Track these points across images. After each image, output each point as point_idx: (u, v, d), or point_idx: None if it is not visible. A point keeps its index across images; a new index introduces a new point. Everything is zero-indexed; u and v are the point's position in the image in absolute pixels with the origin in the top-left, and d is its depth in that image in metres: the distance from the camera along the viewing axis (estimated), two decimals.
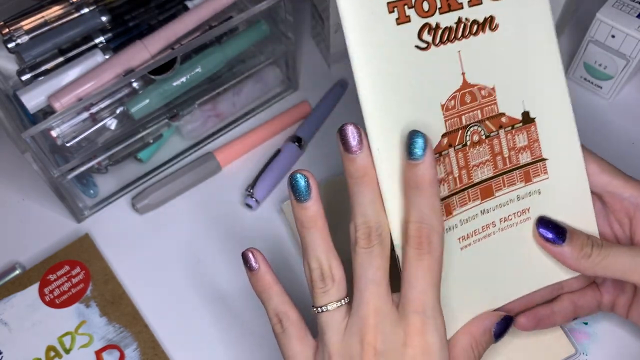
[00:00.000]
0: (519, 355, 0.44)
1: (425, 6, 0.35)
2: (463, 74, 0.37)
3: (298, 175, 0.36)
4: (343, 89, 0.60)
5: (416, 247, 0.35)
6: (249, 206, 0.53)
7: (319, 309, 0.36)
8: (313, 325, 0.38)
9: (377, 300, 0.35)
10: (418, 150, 0.34)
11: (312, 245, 0.36)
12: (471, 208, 0.38)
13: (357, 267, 0.36)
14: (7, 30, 0.50)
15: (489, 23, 0.37)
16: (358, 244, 0.36)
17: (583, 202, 0.41)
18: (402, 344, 0.34)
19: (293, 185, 0.36)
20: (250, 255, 0.39)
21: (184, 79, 0.51)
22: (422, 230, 0.34)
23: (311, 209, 0.36)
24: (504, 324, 0.39)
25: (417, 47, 0.36)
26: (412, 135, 0.34)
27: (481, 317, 0.39)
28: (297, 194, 0.36)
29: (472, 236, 0.39)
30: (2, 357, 0.47)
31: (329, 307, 0.36)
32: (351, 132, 0.35)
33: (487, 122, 0.38)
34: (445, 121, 0.37)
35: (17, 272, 0.51)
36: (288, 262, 0.51)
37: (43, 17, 0.51)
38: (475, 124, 0.38)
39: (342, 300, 0.36)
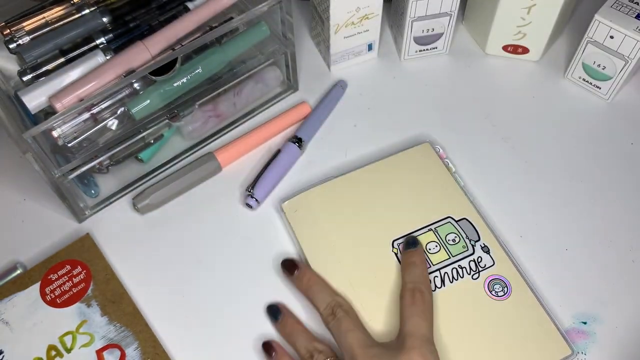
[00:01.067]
0: (514, 355, 0.44)
1: None
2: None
3: (269, 306, 0.48)
4: (343, 90, 0.61)
5: (410, 297, 0.44)
6: (249, 206, 0.53)
7: None
8: None
9: (358, 336, 0.43)
10: (413, 243, 0.48)
11: (299, 341, 0.45)
12: None
13: (334, 336, 0.44)
14: (8, 31, 0.50)
15: None
16: (327, 320, 0.45)
17: None
18: None
19: (269, 314, 0.48)
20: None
21: (184, 80, 0.51)
22: (415, 287, 0.45)
23: (288, 323, 0.47)
24: None
25: None
26: (408, 239, 0.49)
27: None
28: (273, 317, 0.48)
29: None
30: (3, 356, 0.47)
31: None
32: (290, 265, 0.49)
33: None
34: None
35: (19, 271, 0.51)
36: None
37: (44, 17, 0.51)
38: None
39: (333, 357, 0.44)
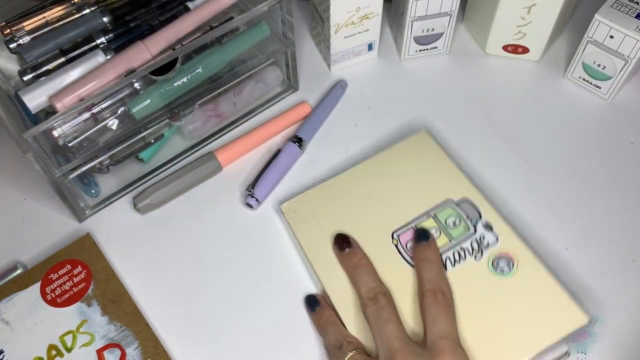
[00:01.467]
0: (529, 331, 0.43)
1: None
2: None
3: (308, 296, 0.48)
4: (343, 89, 0.61)
5: (432, 298, 0.43)
6: (249, 206, 0.53)
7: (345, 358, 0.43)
8: None
9: (398, 328, 0.42)
10: (426, 237, 0.47)
11: (331, 331, 0.45)
12: None
13: (371, 323, 0.43)
14: (8, 30, 0.50)
15: None
16: (367, 305, 0.44)
17: None
18: None
19: (307, 303, 0.48)
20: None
21: (185, 80, 0.51)
22: (436, 287, 0.44)
23: (324, 314, 0.46)
24: None
25: None
26: (419, 232, 0.48)
27: None
28: (310, 307, 0.47)
29: None
30: (3, 356, 0.47)
31: (350, 353, 0.43)
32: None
33: None
34: None
35: (19, 271, 0.51)
36: (288, 262, 0.51)
37: (45, 17, 0.51)
38: None
39: (361, 350, 0.43)
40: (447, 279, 0.45)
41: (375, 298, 0.44)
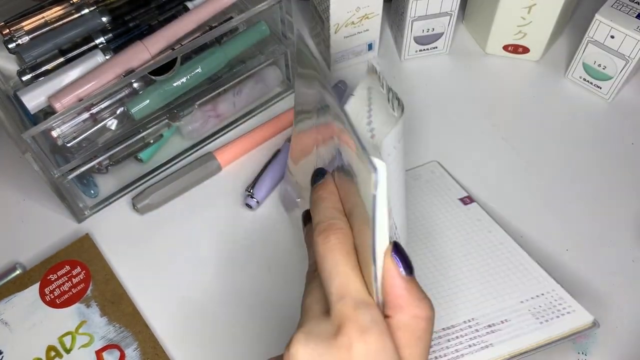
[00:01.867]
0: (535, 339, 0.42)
1: None
2: None
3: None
4: (343, 89, 0.60)
5: (323, 241, 0.33)
6: (249, 206, 0.53)
7: None
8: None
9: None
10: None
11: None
12: None
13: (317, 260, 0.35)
14: (7, 30, 0.50)
15: None
16: (315, 240, 0.34)
17: None
18: None
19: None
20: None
21: (184, 80, 0.51)
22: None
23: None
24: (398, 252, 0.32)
25: None
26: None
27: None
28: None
29: None
30: (2, 357, 0.47)
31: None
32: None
33: None
34: None
35: (18, 272, 0.51)
36: (288, 262, 0.51)
37: (43, 17, 0.51)
38: None
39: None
40: (343, 214, 0.34)
41: (324, 231, 0.33)
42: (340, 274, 0.32)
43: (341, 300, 0.31)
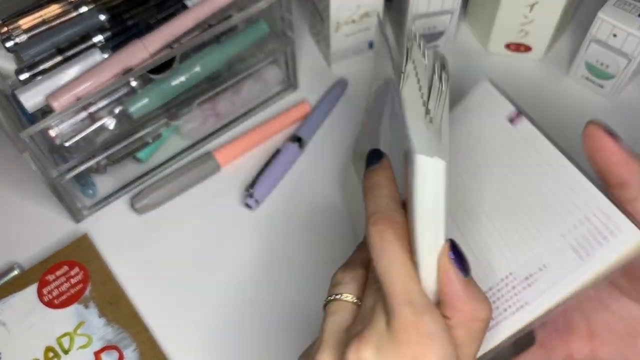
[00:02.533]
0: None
1: None
2: None
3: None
4: (343, 89, 0.60)
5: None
6: (248, 206, 0.53)
7: None
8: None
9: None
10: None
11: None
12: None
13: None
14: (5, 29, 0.50)
15: None
16: (366, 231, 0.33)
17: None
18: None
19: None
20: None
21: (183, 78, 0.51)
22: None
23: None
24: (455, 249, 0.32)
25: None
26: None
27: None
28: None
29: None
30: (0, 357, 0.46)
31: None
32: None
33: None
34: None
35: (16, 272, 0.50)
36: (288, 263, 0.51)
37: (41, 16, 0.50)
38: None
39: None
40: (400, 205, 0.33)
41: (379, 224, 0.32)
42: (402, 275, 0.31)
43: (404, 305, 0.30)
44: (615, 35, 0.54)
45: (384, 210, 0.33)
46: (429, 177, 0.29)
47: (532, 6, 0.57)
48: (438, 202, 0.30)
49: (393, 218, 0.32)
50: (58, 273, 0.50)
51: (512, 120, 0.45)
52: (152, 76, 0.50)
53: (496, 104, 0.47)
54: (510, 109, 0.45)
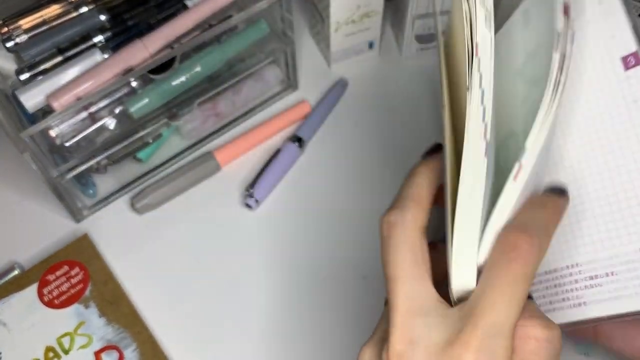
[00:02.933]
0: None
1: None
2: None
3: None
4: (343, 89, 0.60)
5: (508, 246, 0.29)
6: (248, 206, 0.53)
7: None
8: None
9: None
10: (561, 192, 0.34)
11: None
12: None
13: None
14: (5, 29, 0.50)
15: None
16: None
17: None
18: None
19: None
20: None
21: (183, 78, 0.51)
22: (526, 229, 0.30)
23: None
24: None
25: None
26: (556, 187, 0.34)
27: None
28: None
29: None
30: (0, 357, 0.47)
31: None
32: None
33: None
34: None
35: (16, 272, 0.50)
36: (288, 263, 0.51)
37: (42, 16, 0.50)
38: None
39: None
40: (550, 234, 0.31)
41: (391, 214, 0.31)
42: (415, 286, 0.30)
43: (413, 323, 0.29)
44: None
45: (404, 199, 0.32)
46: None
47: None
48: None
49: (406, 215, 0.31)
50: (58, 273, 0.50)
51: (627, 64, 0.36)
52: (152, 76, 0.50)
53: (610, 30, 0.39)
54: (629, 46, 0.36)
